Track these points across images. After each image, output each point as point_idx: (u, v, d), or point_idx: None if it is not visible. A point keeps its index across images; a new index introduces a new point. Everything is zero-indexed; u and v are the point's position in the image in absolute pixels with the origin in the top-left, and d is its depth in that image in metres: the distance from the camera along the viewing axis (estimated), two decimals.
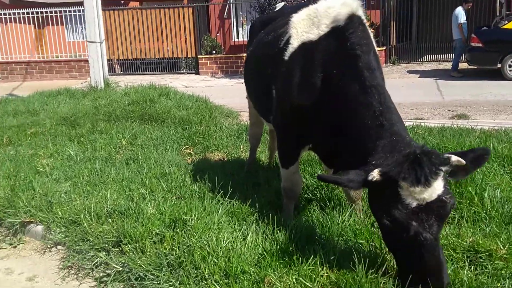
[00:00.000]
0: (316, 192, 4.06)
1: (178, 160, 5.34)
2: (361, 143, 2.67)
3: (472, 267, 2.77)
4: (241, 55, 17.40)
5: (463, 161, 2.39)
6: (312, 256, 2.78)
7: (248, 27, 15.21)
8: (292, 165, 3.52)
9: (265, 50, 3.73)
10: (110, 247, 3.34)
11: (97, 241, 3.41)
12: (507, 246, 2.88)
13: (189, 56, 17.90)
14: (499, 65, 12.93)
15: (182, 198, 3.96)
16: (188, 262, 2.91)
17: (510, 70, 12.78)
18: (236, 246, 3.00)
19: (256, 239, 3.09)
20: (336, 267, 2.72)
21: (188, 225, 3.27)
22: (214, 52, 17.72)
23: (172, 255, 3.02)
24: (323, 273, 2.66)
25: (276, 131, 3.60)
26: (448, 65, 15.71)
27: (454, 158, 2.39)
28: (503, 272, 2.70)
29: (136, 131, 6.57)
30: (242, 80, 17.69)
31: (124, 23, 17.75)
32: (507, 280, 2.64)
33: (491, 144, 4.40)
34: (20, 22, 17.91)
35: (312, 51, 3.08)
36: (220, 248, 2.96)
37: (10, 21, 17.89)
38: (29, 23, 18.01)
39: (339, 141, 2.98)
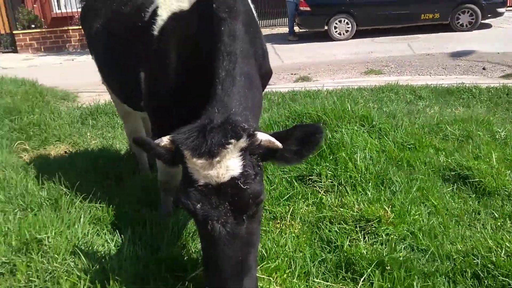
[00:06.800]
0: None
1: (12, 161, 4.43)
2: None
3: (366, 236, 2.74)
4: (66, 28, 15.67)
5: (275, 142, 1.96)
6: None
7: None
8: None
9: (125, 25, 3.11)
10: None
11: None
12: (394, 209, 2.92)
13: (2, 32, 15.48)
14: (326, 27, 13.87)
15: (29, 210, 3.23)
16: None
17: (335, 31, 13.77)
18: (111, 263, 2.50)
19: (135, 249, 2.63)
20: None
21: (45, 245, 2.64)
22: (33, 26, 15.60)
23: None
24: None
25: (151, 116, 3.06)
26: (281, 30, 16.35)
27: (262, 136, 1.96)
28: (393, 237, 2.73)
29: None
30: (73, 57, 15.77)
31: None
32: (396, 243, 2.68)
33: (349, 106, 4.50)
34: None
35: (186, 23, 2.62)
36: (94, 268, 2.44)
37: None
38: None
39: None
